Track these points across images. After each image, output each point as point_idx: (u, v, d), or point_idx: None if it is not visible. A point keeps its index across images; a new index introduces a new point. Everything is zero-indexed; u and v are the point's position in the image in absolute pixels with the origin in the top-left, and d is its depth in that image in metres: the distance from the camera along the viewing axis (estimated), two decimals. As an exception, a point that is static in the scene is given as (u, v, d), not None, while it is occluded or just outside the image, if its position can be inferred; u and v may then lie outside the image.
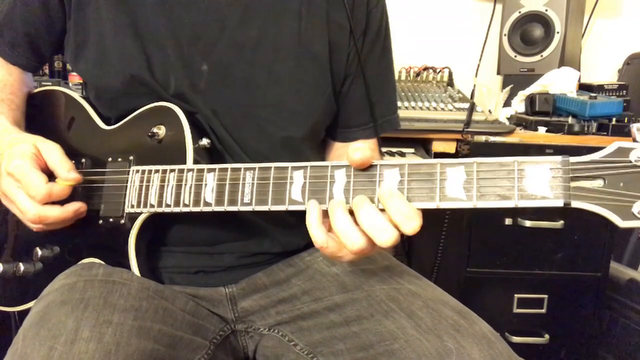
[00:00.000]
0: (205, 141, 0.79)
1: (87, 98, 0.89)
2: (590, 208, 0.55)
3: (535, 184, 0.57)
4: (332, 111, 0.90)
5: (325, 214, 0.64)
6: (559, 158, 0.56)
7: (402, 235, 0.60)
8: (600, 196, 0.54)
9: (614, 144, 0.55)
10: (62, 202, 0.76)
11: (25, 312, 0.75)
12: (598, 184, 0.55)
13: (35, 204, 0.73)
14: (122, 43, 0.81)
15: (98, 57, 0.83)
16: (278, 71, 0.83)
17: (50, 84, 1.52)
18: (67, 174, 0.74)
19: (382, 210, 0.61)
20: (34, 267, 0.83)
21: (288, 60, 0.84)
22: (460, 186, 0.59)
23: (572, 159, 0.56)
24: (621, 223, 0.54)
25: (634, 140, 0.55)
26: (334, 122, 0.94)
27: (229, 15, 0.82)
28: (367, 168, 0.64)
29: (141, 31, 0.81)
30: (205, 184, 0.72)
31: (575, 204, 0.55)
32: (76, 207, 0.77)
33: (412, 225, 0.58)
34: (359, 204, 0.61)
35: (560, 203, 0.56)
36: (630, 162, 0.54)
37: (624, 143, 0.55)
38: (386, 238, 0.59)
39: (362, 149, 0.62)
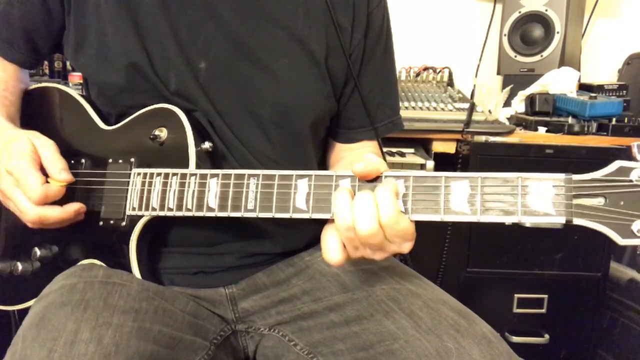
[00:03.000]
0: (207, 144, 0.79)
1: (86, 97, 0.89)
2: (591, 226, 0.57)
3: (539, 200, 0.58)
4: (331, 110, 0.90)
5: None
6: (562, 176, 0.58)
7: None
8: (601, 214, 0.56)
9: (615, 162, 0.57)
10: (62, 202, 0.76)
11: (24, 311, 0.75)
12: (599, 202, 0.57)
13: (34, 205, 0.73)
14: (123, 39, 0.81)
15: (99, 53, 0.83)
16: (275, 69, 0.83)
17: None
18: (58, 174, 0.74)
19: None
20: (32, 266, 0.83)
21: (285, 59, 0.83)
22: (465, 200, 0.60)
23: (575, 177, 0.57)
24: (621, 241, 0.56)
25: (635, 159, 0.56)
26: (337, 123, 0.94)
27: (225, 13, 0.82)
28: (372, 179, 0.65)
29: (141, 28, 0.81)
30: (209, 189, 0.72)
31: (576, 221, 0.57)
32: (76, 207, 0.77)
33: (386, 209, 0.60)
34: (361, 190, 0.63)
35: (562, 220, 0.58)
36: (631, 181, 0.56)
37: (625, 162, 0.56)
38: (365, 225, 0.60)
39: (366, 161, 0.63)
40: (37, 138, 0.76)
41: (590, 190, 0.57)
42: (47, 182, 0.74)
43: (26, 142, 0.75)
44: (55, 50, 0.91)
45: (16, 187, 0.74)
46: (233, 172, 0.72)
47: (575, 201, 0.57)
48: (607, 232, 0.56)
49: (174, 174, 0.75)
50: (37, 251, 0.81)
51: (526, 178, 0.59)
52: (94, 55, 0.83)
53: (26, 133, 0.78)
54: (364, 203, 0.61)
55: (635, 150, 0.57)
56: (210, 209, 0.72)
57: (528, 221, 0.58)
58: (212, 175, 0.73)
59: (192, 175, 0.74)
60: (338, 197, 0.63)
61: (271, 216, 0.69)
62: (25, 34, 0.87)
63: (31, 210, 0.73)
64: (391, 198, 0.61)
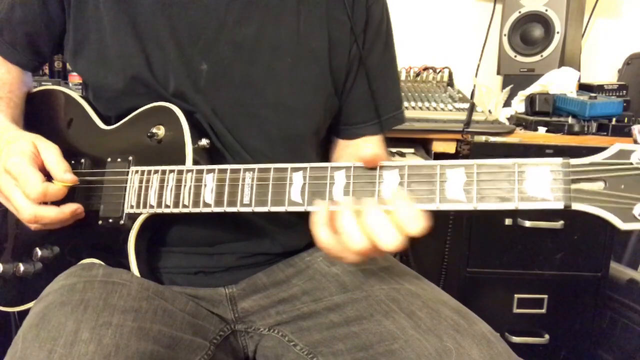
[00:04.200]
0: (204, 141, 0.79)
1: (86, 98, 0.89)
2: (591, 210, 0.55)
3: (536, 186, 0.56)
4: (333, 109, 0.90)
5: (331, 215, 0.64)
6: (559, 160, 0.56)
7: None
8: (601, 198, 0.54)
9: (615, 145, 0.55)
10: (59, 203, 0.76)
11: (25, 313, 0.75)
12: (599, 186, 0.55)
13: (31, 204, 0.73)
14: (122, 42, 0.81)
15: (98, 56, 0.83)
16: (277, 69, 0.83)
17: (50, 84, 1.52)
18: (63, 175, 0.74)
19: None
20: (33, 267, 0.83)
21: (287, 59, 0.83)
22: (461, 188, 0.59)
23: (573, 161, 0.56)
24: (622, 225, 0.53)
25: (635, 142, 0.55)
26: (338, 119, 0.94)
27: (227, 14, 0.82)
28: (366, 169, 0.64)
29: (140, 30, 0.81)
30: (205, 185, 0.72)
31: (575, 206, 0.55)
32: (73, 208, 0.77)
33: (416, 226, 0.58)
34: (366, 206, 0.61)
35: (560, 205, 0.55)
36: (631, 164, 0.54)
37: (625, 145, 0.54)
38: (389, 241, 0.59)
39: (373, 147, 0.63)
40: (41, 141, 0.76)
41: (589, 174, 0.55)
42: (49, 182, 0.74)
43: (28, 143, 0.75)
44: (58, 52, 0.92)
45: (15, 185, 0.73)
46: (229, 167, 0.72)
47: (574, 186, 0.55)
48: (608, 217, 0.54)
49: (170, 171, 0.75)
50: (38, 251, 0.82)
51: (522, 164, 0.57)
52: (93, 59, 0.83)
53: (30, 135, 0.78)
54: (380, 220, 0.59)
55: (635, 132, 0.56)
56: (206, 205, 0.72)
57: (525, 207, 0.57)
58: (208, 171, 0.73)
59: (188, 171, 0.74)
60: (344, 223, 0.61)
61: (267, 210, 0.68)
62: (27, 37, 0.87)
63: (27, 208, 0.73)
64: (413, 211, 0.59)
